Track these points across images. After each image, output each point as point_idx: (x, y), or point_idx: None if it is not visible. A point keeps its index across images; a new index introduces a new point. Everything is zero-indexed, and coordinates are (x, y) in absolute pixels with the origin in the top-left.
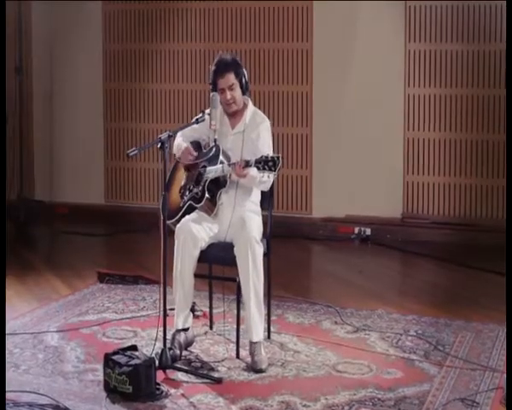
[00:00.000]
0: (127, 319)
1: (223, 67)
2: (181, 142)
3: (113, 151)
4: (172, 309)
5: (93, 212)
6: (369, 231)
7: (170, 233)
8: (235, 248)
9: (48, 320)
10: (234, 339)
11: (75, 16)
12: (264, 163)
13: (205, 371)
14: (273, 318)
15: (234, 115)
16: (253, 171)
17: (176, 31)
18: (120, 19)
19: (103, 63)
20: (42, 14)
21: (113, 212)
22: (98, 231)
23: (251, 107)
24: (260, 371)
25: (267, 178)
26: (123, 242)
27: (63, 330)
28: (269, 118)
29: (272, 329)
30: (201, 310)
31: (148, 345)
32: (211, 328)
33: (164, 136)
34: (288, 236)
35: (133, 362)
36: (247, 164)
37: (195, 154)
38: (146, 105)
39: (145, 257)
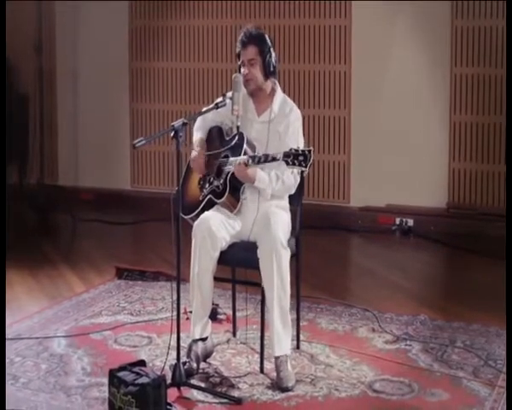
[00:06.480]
0: (143, 323)
1: (246, 39)
2: (196, 141)
3: (139, 133)
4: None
5: (118, 198)
6: (411, 222)
7: (189, 227)
8: (258, 251)
9: (57, 322)
10: (259, 348)
11: None
12: (293, 157)
13: (224, 389)
14: (304, 323)
15: (260, 101)
16: (258, 173)
17: (205, 6)
18: None
19: (129, 41)
20: None
21: (139, 198)
22: (122, 219)
23: (279, 93)
24: (286, 389)
25: (287, 180)
26: (147, 231)
27: (71, 334)
28: (304, 99)
29: (302, 337)
30: (225, 313)
31: (163, 355)
32: (234, 335)
33: (177, 123)
34: (324, 226)
35: (141, 381)
36: (251, 161)
37: (204, 171)
38: (174, 85)
39: (169, 250)
